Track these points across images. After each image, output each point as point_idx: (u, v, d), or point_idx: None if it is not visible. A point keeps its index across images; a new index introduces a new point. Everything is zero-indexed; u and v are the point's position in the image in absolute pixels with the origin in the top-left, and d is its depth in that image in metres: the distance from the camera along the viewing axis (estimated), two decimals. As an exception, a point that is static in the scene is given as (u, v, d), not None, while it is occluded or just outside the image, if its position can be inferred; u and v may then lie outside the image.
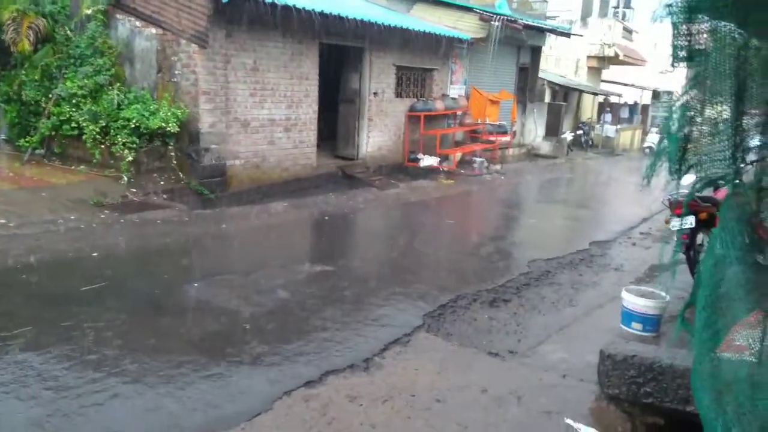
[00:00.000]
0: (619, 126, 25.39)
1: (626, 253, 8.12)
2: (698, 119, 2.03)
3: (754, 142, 2.32)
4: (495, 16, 14.64)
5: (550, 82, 20.46)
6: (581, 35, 20.74)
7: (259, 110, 9.92)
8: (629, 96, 28.16)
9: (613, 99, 26.48)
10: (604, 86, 26.03)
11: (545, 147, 19.36)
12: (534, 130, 19.34)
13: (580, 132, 22.73)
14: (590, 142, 23.21)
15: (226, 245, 7.41)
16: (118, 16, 9.77)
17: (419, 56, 13.30)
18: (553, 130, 20.32)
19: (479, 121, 15.17)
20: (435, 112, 13.63)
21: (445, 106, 13.97)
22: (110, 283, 5.54)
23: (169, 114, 8.72)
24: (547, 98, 20.79)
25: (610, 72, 26.09)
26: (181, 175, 9.04)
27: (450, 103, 14.20)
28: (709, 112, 2.04)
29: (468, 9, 14.84)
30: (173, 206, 8.36)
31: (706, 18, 1.82)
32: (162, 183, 8.94)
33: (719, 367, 1.80)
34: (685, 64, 1.90)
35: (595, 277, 6.97)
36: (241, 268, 6.34)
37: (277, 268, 6.38)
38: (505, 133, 16.09)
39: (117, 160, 8.81)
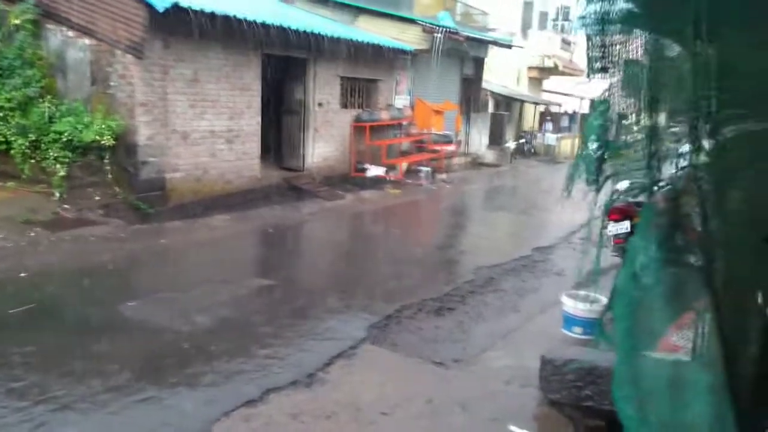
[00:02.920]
0: (559, 134, 26.13)
1: (567, 258, 8.31)
2: (614, 130, 2.08)
3: (684, 148, 2.40)
4: (438, 28, 14.84)
5: (493, 93, 20.88)
6: (522, 47, 21.27)
7: (200, 122, 9.69)
8: (569, 105, 29.06)
9: (553, 108, 27.26)
10: (545, 96, 26.77)
11: (489, 156, 19.72)
12: (478, 139, 19.67)
13: (522, 140, 23.27)
14: (532, 150, 23.81)
15: (166, 261, 7.17)
16: (49, 26, 9.37)
17: (364, 67, 13.33)
18: (496, 139, 20.72)
19: (425, 131, 15.32)
20: (381, 122, 13.68)
21: (391, 117, 14.04)
22: (39, 305, 5.25)
23: (103, 127, 8.41)
24: (491, 108, 21.19)
25: (551, 82, 26.86)
26: (118, 190, 8.72)
27: (395, 113, 14.29)
28: (624, 122, 2.10)
29: (411, 21, 14.99)
30: (109, 222, 8.05)
31: (619, 30, 1.87)
32: (97, 198, 8.59)
33: (640, 376, 1.83)
34: (600, 75, 1.94)
35: (537, 283, 7.09)
36: (181, 285, 6.14)
37: (219, 284, 6.21)
38: (450, 142, 16.27)
39: (48, 175, 8.40)
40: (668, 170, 2.24)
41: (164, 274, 6.74)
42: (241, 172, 10.53)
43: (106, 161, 8.64)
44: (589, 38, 1.92)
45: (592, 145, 2.15)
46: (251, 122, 10.65)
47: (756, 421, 1.41)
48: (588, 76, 2.00)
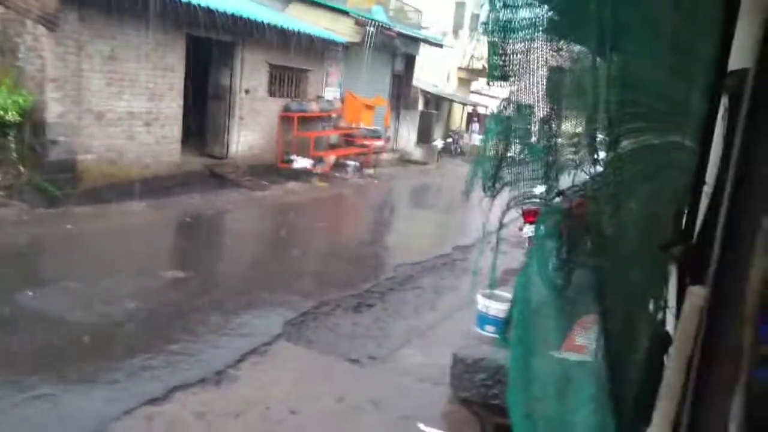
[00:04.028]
0: (486, 135, 26.79)
1: (485, 258, 8.50)
2: (512, 138, 2.13)
3: (602, 155, 2.47)
4: (370, 21, 14.81)
5: (423, 91, 21.09)
6: (452, 47, 21.60)
7: (117, 102, 9.21)
8: (495, 107, 29.83)
9: (480, 110, 27.89)
10: (473, 97, 27.33)
11: (417, 153, 19.92)
12: (407, 136, 19.84)
13: (450, 140, 23.68)
14: (459, 150, 24.27)
15: (72, 249, 6.77)
16: (-52, -12, 8.62)
17: (294, 56, 13.07)
18: (424, 137, 20.96)
19: (354, 125, 15.27)
20: (309, 113, 13.50)
21: (320, 108, 13.90)
22: None
23: (9, 101, 7.83)
24: (420, 106, 21.41)
25: (479, 84, 27.43)
26: (23, 170, 8.14)
27: (325, 105, 14.15)
28: (523, 132, 2.15)
29: (344, 12, 14.87)
30: (11, 204, 7.51)
31: (521, 39, 1.89)
32: (-1, 178, 8.01)
33: (531, 382, 1.89)
34: (500, 83, 1.97)
35: (455, 281, 7.23)
36: (87, 275, 5.81)
37: (129, 274, 5.92)
38: (379, 138, 16.31)
39: (-57, 151, 7.76)
40: (566, 180, 2.31)
41: (69, 262, 6.36)
42: (159, 157, 10.10)
43: (10, 138, 8.05)
44: (491, 45, 1.94)
45: (491, 152, 2.18)
46: (172, 105, 10.24)
47: (638, 428, 1.48)
48: (488, 82, 2.03)
